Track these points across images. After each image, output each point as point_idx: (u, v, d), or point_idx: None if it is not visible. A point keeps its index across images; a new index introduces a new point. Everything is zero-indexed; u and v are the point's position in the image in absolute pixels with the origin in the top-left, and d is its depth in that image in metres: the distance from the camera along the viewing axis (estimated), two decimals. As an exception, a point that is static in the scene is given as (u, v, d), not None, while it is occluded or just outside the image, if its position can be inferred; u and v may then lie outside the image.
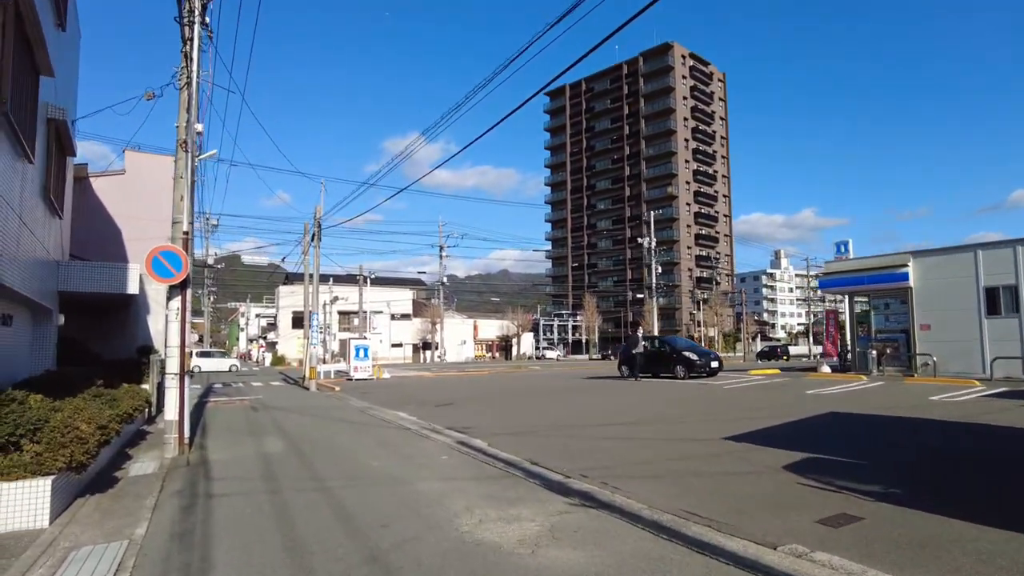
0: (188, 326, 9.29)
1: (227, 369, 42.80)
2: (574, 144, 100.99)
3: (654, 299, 51.39)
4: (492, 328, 66.00)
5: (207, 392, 21.74)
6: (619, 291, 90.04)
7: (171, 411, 8.95)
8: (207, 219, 43.65)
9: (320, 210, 21.70)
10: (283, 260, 60.78)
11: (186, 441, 9.04)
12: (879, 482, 6.45)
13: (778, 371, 26.65)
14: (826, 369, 23.01)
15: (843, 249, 25.06)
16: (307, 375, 26.00)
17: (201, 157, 9.82)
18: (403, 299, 60.31)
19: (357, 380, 27.69)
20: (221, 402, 17.61)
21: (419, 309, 63.70)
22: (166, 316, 9.24)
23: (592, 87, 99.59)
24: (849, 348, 23.36)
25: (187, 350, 9.28)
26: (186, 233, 9.26)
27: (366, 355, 28.72)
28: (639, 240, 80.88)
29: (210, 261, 49.99)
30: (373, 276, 45.23)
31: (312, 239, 22.03)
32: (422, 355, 60.43)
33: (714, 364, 21.94)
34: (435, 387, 23.59)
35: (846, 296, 23.80)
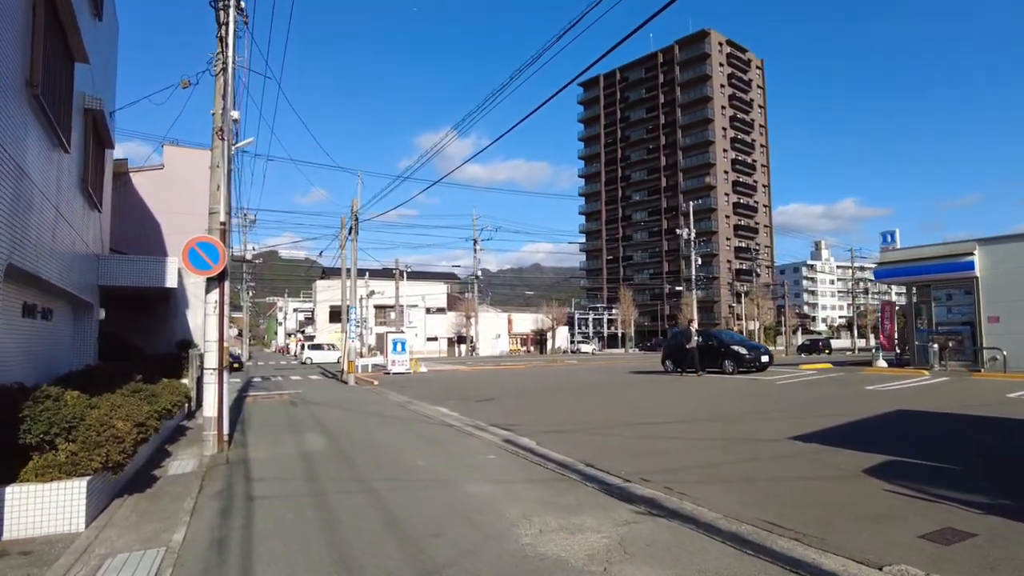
0: (227, 320, 9.01)
1: (335, 360, 45.16)
2: (608, 135, 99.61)
3: (693, 292, 50.19)
4: (526, 322, 65.50)
5: (246, 386, 21.76)
6: (655, 284, 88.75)
7: (210, 408, 8.69)
8: (244, 215, 44.12)
9: (357, 203, 21.47)
10: (320, 255, 61.20)
11: (225, 438, 8.78)
12: (981, 491, 5.78)
13: (829, 365, 25.60)
14: (882, 363, 21.92)
15: (890, 239, 23.86)
16: (345, 369, 25.91)
17: (237, 145, 9.53)
18: (438, 293, 60.25)
19: (394, 374, 27.52)
20: (260, 397, 17.51)
21: (453, 303, 63.61)
22: (204, 310, 8.98)
23: (626, 76, 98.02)
24: (907, 341, 22.20)
25: (226, 344, 9.01)
26: (223, 224, 8.97)
27: (403, 349, 28.52)
28: (676, 231, 79.50)
29: (248, 256, 50.57)
30: (408, 270, 45.06)
31: (349, 233, 21.82)
32: (457, 349, 60.33)
33: (764, 358, 21.07)
34: (473, 381, 23.23)
35: (903, 287, 22.61)
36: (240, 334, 65.67)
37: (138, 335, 15.14)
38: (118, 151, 14.28)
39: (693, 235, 50.91)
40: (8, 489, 5.01)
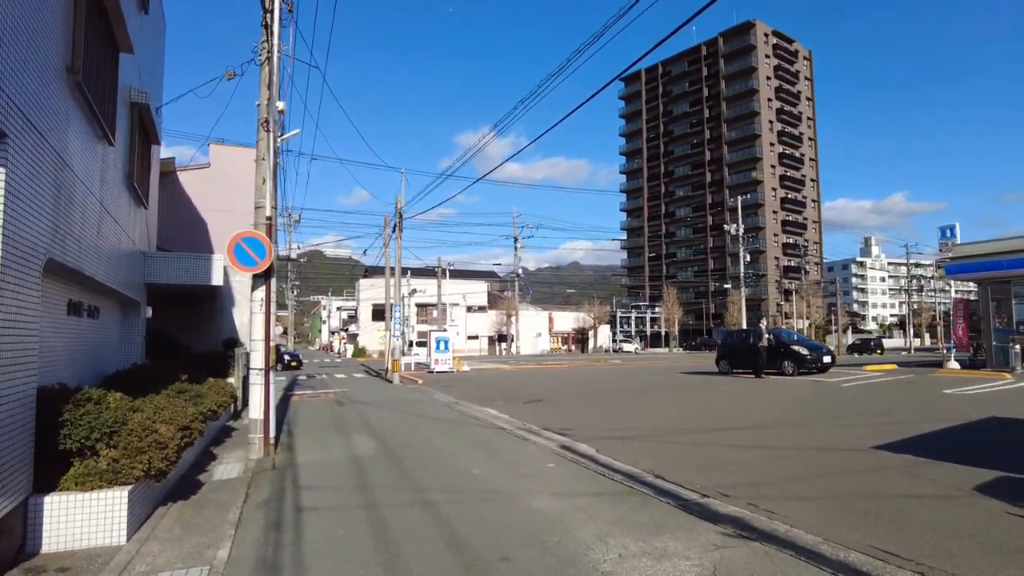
0: (273, 318, 8.69)
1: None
2: (651, 130, 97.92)
3: (741, 289, 48.70)
4: (567, 320, 64.70)
5: (292, 384, 21.72)
6: (699, 281, 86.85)
7: (255, 409, 8.37)
8: (289, 214, 44.57)
9: (401, 200, 21.22)
10: (364, 253, 61.56)
11: (272, 441, 8.45)
12: None
13: (894, 366, 24.25)
14: (954, 364, 20.56)
15: (949, 234, 22.45)
16: (390, 367, 25.72)
17: (283, 137, 9.20)
18: (478, 291, 59.99)
19: (438, 372, 27.25)
20: (306, 396, 17.35)
21: (494, 301, 63.28)
22: (250, 308, 8.67)
23: (669, 70, 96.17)
24: (983, 342, 20.79)
25: (272, 343, 8.69)
26: (269, 219, 8.65)
27: (446, 347, 28.23)
28: (724, 227, 77.55)
29: (293, 255, 51.14)
30: (451, 268, 44.84)
31: (393, 230, 21.58)
32: (497, 347, 60.00)
33: (826, 359, 19.95)
34: (518, 381, 22.74)
35: (974, 283, 21.19)
36: (285, 332, 66.68)
37: (185, 333, 15.09)
38: (163, 151, 14.27)
39: (742, 231, 49.42)
40: (47, 499, 4.69)
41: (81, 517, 4.76)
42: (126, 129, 8.94)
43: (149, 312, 11.82)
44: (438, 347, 28.03)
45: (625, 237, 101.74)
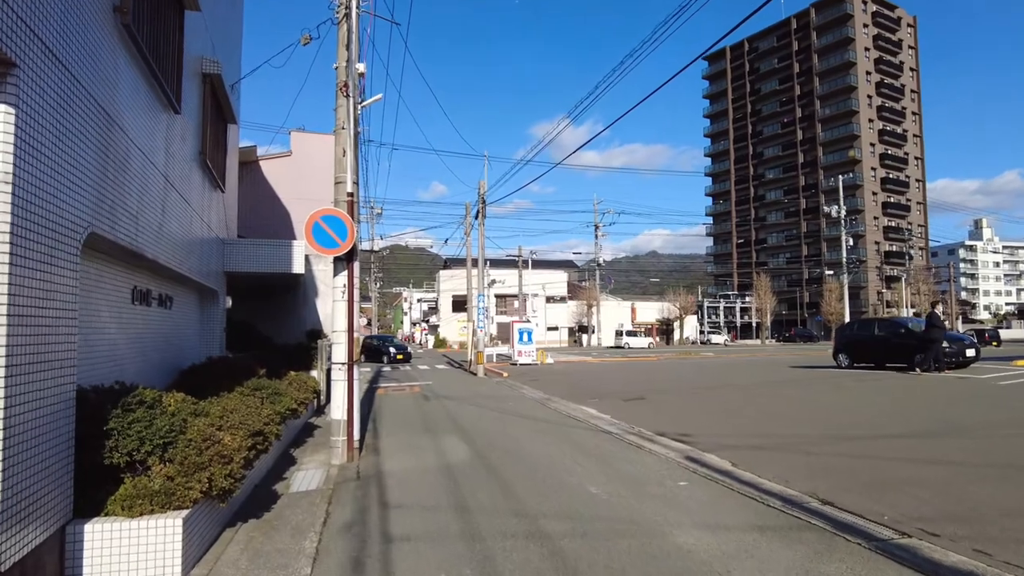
0: (357, 307, 7.75)
1: (646, 346, 50.36)
2: (737, 110, 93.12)
3: (844, 276, 45.11)
4: (651, 311, 62.27)
5: (376, 376, 21.20)
6: (792, 269, 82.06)
7: (338, 409, 7.46)
8: (371, 207, 44.74)
9: (484, 185, 20.21)
10: (445, 242, 61.88)
11: (356, 445, 7.52)
12: None
13: (1045, 360, 21.17)
14: None
15: None
16: (473, 359, 24.90)
17: (364, 103, 8.24)
18: (558, 281, 58.65)
19: (521, 365, 26.23)
20: (391, 388, 16.65)
21: (573, 291, 61.74)
22: (332, 296, 7.76)
23: (756, 47, 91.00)
24: None
25: (356, 335, 7.75)
26: (350, 195, 7.69)
27: (530, 339, 27.15)
28: (819, 210, 72.58)
29: (376, 247, 51.51)
30: (534, 256, 43.63)
31: (476, 216, 20.62)
32: (578, 339, 58.47)
33: (969, 352, 17.40)
34: (608, 375, 21.33)
35: None
36: (369, 323, 67.76)
37: (267, 324, 14.64)
38: (241, 139, 13.86)
39: (843, 212, 45.72)
40: (89, 526, 3.81)
41: (129, 548, 3.86)
42: (196, 101, 8.21)
43: (229, 302, 11.26)
44: (521, 338, 26.99)
45: (711, 223, 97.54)
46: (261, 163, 19.14)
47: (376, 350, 31.93)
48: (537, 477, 6.48)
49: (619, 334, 52.03)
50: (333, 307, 7.68)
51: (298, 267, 11.71)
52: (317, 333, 14.27)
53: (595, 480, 6.31)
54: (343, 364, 7.50)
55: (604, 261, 59.06)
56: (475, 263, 26.97)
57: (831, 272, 59.06)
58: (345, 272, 7.57)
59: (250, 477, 5.96)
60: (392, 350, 31.36)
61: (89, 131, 4.21)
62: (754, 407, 11.89)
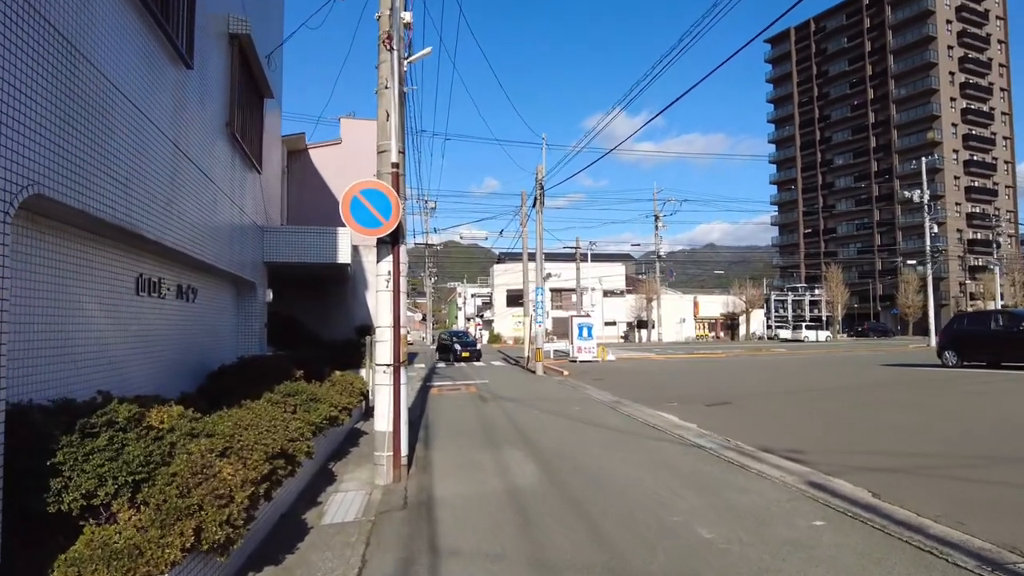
0: (404, 298, 6.56)
1: (823, 339, 50.68)
2: (803, 93, 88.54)
3: (928, 266, 41.73)
4: (714, 305, 59.52)
5: (430, 374, 20.18)
6: (864, 260, 77.52)
7: (382, 418, 6.28)
8: (425, 200, 44.01)
9: (542, 170, 18.84)
10: (500, 233, 60.64)
11: (403, 461, 6.33)
12: None
13: None
14: None
15: None
16: (529, 355, 23.64)
17: (411, 58, 7.03)
18: (615, 275, 56.73)
19: (581, 362, 24.81)
20: (445, 387, 15.54)
21: (631, 285, 59.70)
22: (376, 285, 6.59)
23: (823, 26, 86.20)
24: None
25: (403, 331, 6.56)
26: (396, 166, 6.49)
27: (590, 334, 25.67)
28: (894, 197, 67.97)
29: (430, 241, 50.80)
30: (593, 249, 41.85)
31: (533, 204, 19.30)
32: (636, 334, 56.41)
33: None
34: (677, 374, 19.69)
35: None
36: (424, 319, 67.46)
37: (314, 320, 13.74)
38: (283, 125, 12.96)
39: (927, 197, 42.29)
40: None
41: (80, 634, 2.72)
42: (222, 63, 7.17)
43: (269, 296, 10.30)
44: (580, 334, 25.54)
45: (776, 212, 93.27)
46: (311, 152, 18.36)
47: (446, 347, 29.24)
48: (628, 512, 5.12)
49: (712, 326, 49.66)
50: (376, 298, 6.50)
51: (344, 256, 10.67)
52: (367, 328, 13.26)
53: (703, 518, 4.91)
54: (388, 366, 6.31)
55: (656, 255, 56.82)
56: (532, 257, 25.69)
57: (912, 262, 55.12)
58: (390, 257, 6.38)
59: (276, 503, 4.84)
60: (457, 347, 27.40)
61: (29, 53, 3.08)
62: (864, 415, 10.16)
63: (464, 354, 26.87)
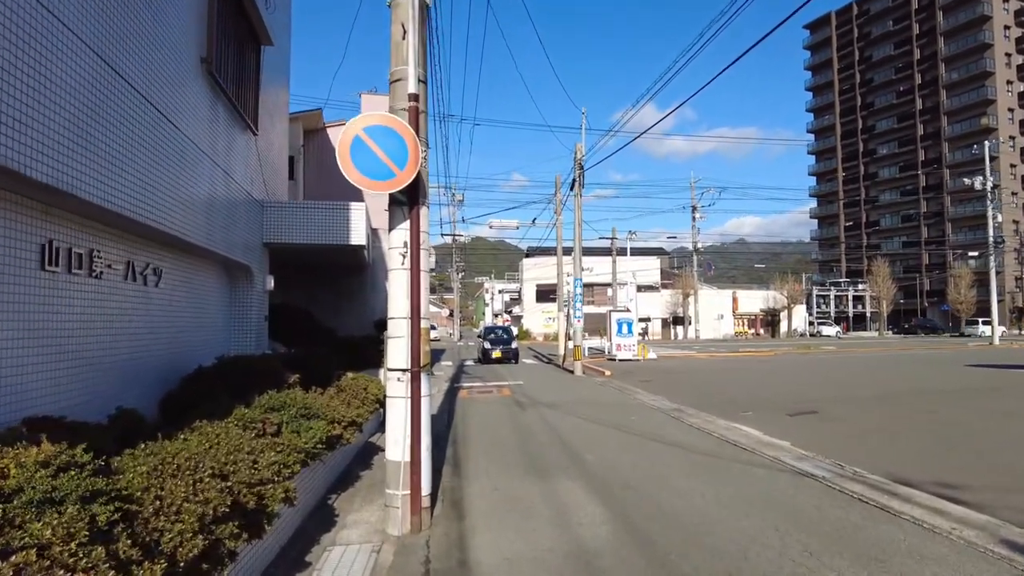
0: (426, 278, 4.88)
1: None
2: (844, 81, 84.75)
3: (990, 258, 38.97)
4: (754, 300, 56.83)
5: (458, 373, 18.55)
6: (909, 253, 73.90)
7: (396, 445, 4.62)
8: (452, 194, 42.44)
9: (581, 149, 17.00)
10: (533, 221, 58.68)
11: (425, 503, 4.65)
12: None
13: None
14: None
15: None
16: (565, 354, 21.92)
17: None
18: (650, 269, 54.44)
19: (620, 360, 22.97)
20: (475, 389, 13.88)
21: (666, 279, 57.40)
22: (388, 260, 4.93)
23: (867, 9, 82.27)
24: None
25: (424, 323, 4.89)
26: (414, 98, 4.80)
27: (630, 331, 23.80)
28: (945, 186, 64.48)
29: (457, 232, 49.23)
30: (632, 239, 39.39)
31: (571, 187, 17.50)
32: (672, 330, 54.13)
33: None
34: (734, 376, 17.75)
35: None
36: (451, 314, 66.06)
37: (328, 313, 12.20)
38: (292, 100, 11.43)
39: (990, 184, 39.44)
40: None
41: None
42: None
43: (270, 283, 8.73)
44: (620, 330, 23.69)
45: (815, 204, 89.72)
46: (328, 131, 16.83)
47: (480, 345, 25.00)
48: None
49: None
50: (390, 279, 4.84)
51: (358, 237, 9.05)
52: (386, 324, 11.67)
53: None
54: (403, 371, 4.65)
55: (685, 251, 54.49)
56: (567, 251, 23.91)
57: (974, 254, 51.98)
58: (406, 223, 4.71)
59: (250, 561, 3.22)
60: (487, 345, 23.17)
61: None
62: (1003, 429, 8.21)
63: (495, 354, 22.66)
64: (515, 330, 31.20)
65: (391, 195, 4.65)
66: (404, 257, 4.65)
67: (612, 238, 33.73)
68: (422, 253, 4.72)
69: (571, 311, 19.38)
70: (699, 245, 52.65)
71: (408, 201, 4.65)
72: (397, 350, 4.69)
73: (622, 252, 40.02)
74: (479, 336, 26.43)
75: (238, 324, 7.86)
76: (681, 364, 22.28)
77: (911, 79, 75.70)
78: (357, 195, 16.34)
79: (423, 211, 4.75)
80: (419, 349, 4.68)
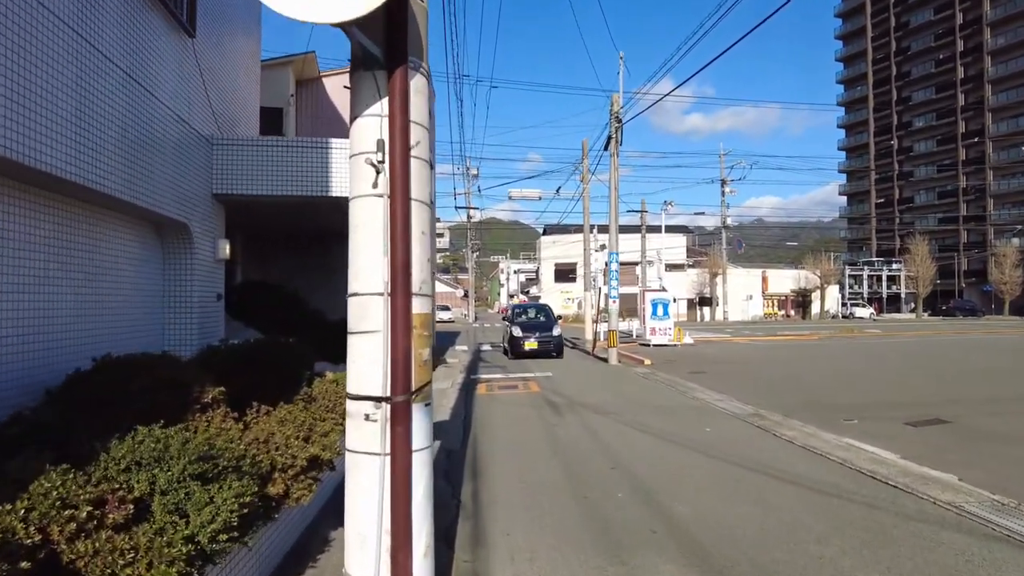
0: (428, 216, 2.57)
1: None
2: (878, 49, 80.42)
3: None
4: (785, 280, 53.99)
5: (475, 361, 16.32)
6: (946, 231, 70.36)
7: (361, 549, 2.33)
8: (467, 168, 39.99)
9: (618, 100, 14.47)
10: (558, 191, 55.03)
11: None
12: None
13: None
14: None
15: None
16: (593, 339, 19.63)
17: None
18: (675, 247, 51.77)
19: (655, 346, 20.63)
20: (496, 384, 11.65)
21: (691, 258, 54.70)
22: (350, 183, 2.60)
23: (904, -28, 77.86)
24: None
25: (419, 300, 2.60)
26: None
27: (665, 313, 21.42)
28: (988, 159, 61.20)
29: (472, 215, 46.83)
30: (667, 210, 36.32)
31: (606, 146, 15.02)
32: (698, 312, 51.52)
33: None
34: (793, 365, 15.39)
35: None
36: (466, 295, 63.85)
37: (317, 291, 9.99)
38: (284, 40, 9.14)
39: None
40: None
41: None
42: None
43: (224, 250, 6.49)
44: (655, 312, 21.31)
45: (845, 181, 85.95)
46: (324, 80, 14.52)
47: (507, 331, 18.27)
48: None
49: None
50: (351, 216, 2.54)
51: (343, 186, 6.76)
52: (387, 304, 9.42)
53: None
54: (377, 401, 2.36)
55: (704, 230, 51.68)
56: (603, 229, 21.46)
57: (1021, 228, 48.88)
58: (379, 105, 2.38)
59: None
60: (516, 332, 16.65)
61: None
62: None
63: (528, 345, 16.28)
64: (555, 310, 21.96)
65: (353, 48, 2.34)
66: (378, 173, 2.35)
67: (642, 211, 31.10)
68: (415, 167, 2.42)
69: (605, 290, 17.02)
70: (708, 228, 49.87)
71: (384, 57, 2.34)
72: (363, 356, 2.42)
73: (654, 230, 37.29)
74: (506, 319, 19.95)
75: (174, 306, 5.65)
76: (723, 350, 19.90)
77: (952, 46, 71.46)
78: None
79: (417, 84, 2.44)
80: (408, 356, 2.40)
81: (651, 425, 7.60)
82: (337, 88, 14.58)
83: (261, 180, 6.43)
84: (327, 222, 9.06)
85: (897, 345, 21.21)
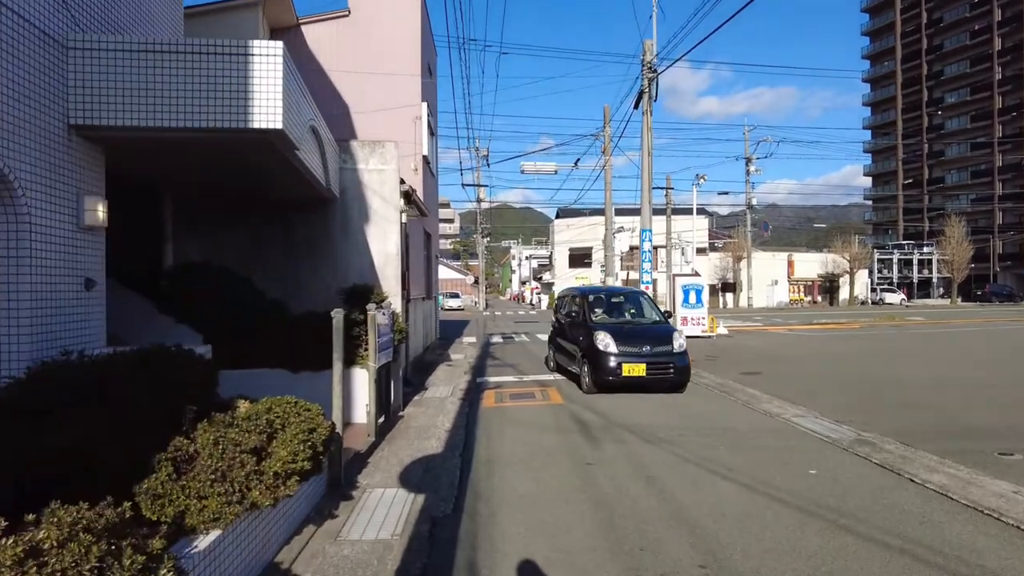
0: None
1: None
2: (907, 22, 76.57)
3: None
4: (811, 265, 51.21)
5: (483, 358, 14.16)
6: (980, 212, 67.05)
7: None
8: (476, 148, 37.61)
9: (652, 47, 12.02)
10: (576, 164, 50.78)
11: None
12: None
13: None
14: None
15: None
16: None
17: None
18: (697, 229, 49.14)
19: (688, 337, 18.24)
20: (506, 389, 9.48)
21: (713, 241, 52.04)
22: None
23: (934, -63, 73.84)
24: None
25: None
26: None
27: (698, 300, 19.10)
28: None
29: (483, 201, 44.46)
30: (699, 184, 33.15)
31: (636, 103, 12.56)
32: (721, 298, 48.94)
33: None
34: (858, 361, 13.11)
35: None
36: (476, 281, 61.70)
37: (280, 277, 7.81)
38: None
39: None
40: None
41: None
42: None
43: (100, 214, 4.30)
44: (687, 300, 19.00)
45: (870, 162, 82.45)
46: (304, 28, 12.31)
47: (563, 332, 11.47)
48: None
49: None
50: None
51: (267, 114, 4.52)
52: (364, 292, 7.19)
53: None
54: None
55: (719, 215, 48.99)
56: (622, 212, 19.13)
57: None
58: None
59: None
60: (604, 342, 8.93)
61: None
62: None
63: (632, 370, 8.71)
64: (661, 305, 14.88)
65: None
66: None
67: (667, 188, 28.63)
68: None
69: (632, 275, 14.73)
70: (723, 214, 47.20)
71: None
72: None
73: (684, 211, 34.77)
74: (561, 309, 11.94)
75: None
76: (767, 342, 17.60)
77: (989, 15, 67.67)
78: (338, 103, 11.87)
79: None
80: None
81: (727, 462, 5.37)
82: (318, 37, 12.36)
83: (138, 104, 4.23)
84: (290, 192, 6.87)
85: (966, 335, 18.79)
